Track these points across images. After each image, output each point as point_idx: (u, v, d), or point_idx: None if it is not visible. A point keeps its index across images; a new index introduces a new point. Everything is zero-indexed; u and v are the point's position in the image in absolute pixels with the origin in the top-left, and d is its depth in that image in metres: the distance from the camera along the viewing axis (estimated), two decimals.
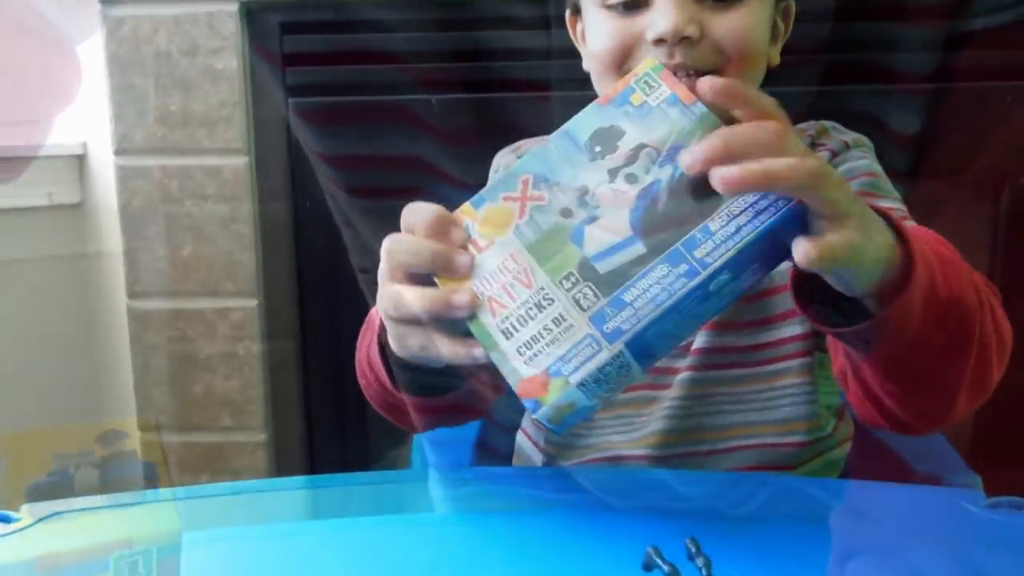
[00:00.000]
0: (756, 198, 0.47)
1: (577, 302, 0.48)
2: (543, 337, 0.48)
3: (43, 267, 1.46)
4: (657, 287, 0.47)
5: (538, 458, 0.77)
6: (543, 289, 0.48)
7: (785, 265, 0.51)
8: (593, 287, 0.48)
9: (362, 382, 0.66)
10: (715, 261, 0.47)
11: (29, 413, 1.43)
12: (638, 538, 0.47)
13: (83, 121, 1.46)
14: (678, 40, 0.66)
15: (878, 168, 0.74)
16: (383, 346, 0.59)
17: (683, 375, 0.71)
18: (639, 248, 0.48)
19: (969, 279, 0.57)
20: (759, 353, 0.72)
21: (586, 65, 0.77)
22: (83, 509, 0.53)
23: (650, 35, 0.67)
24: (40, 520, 0.50)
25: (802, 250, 0.47)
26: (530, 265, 0.49)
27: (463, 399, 0.61)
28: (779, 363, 0.72)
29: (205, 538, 0.49)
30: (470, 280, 0.49)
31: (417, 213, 0.53)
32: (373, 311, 0.64)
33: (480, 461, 0.85)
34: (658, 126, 0.49)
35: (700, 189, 0.47)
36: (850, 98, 1.25)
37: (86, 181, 1.48)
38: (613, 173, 0.49)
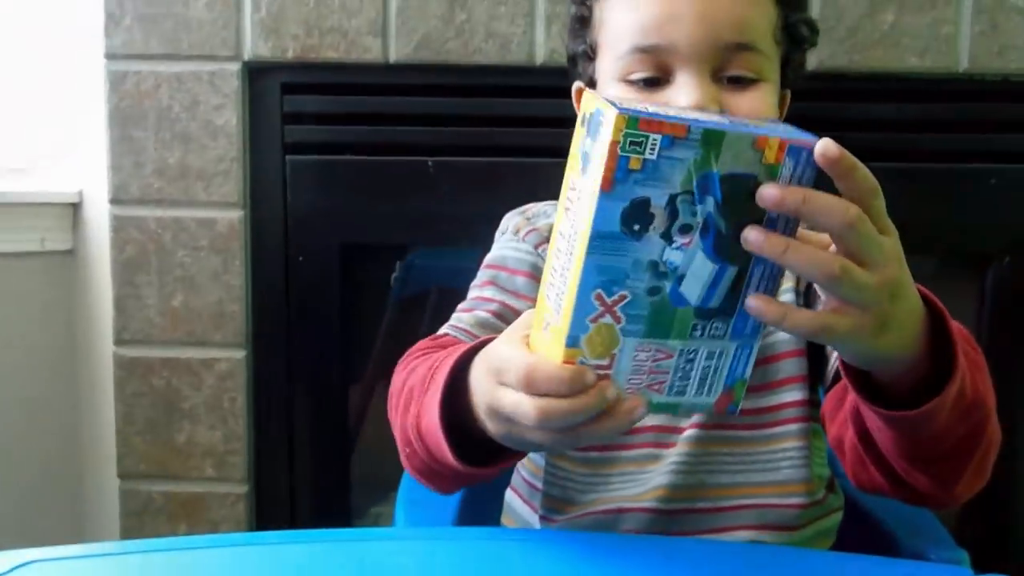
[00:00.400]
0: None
1: (715, 336, 0.51)
2: (709, 373, 0.52)
3: (32, 311, 1.46)
4: (763, 284, 0.50)
5: (531, 516, 0.77)
6: (683, 350, 0.50)
7: (787, 335, 0.53)
8: (718, 319, 0.50)
9: (405, 450, 0.65)
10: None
11: (7, 458, 1.41)
12: None
13: (80, 169, 1.47)
14: None
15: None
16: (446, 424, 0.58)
17: (688, 433, 0.73)
18: (731, 271, 0.49)
19: (989, 380, 0.60)
20: (761, 416, 0.74)
21: None
22: (60, 558, 0.52)
23: None
24: (17, 567, 0.50)
25: (798, 322, 0.49)
26: (658, 345, 0.50)
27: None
28: (780, 427, 0.74)
29: None
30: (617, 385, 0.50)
31: (547, 381, 0.49)
32: (401, 384, 0.65)
33: (465, 522, 0.84)
34: (673, 172, 0.46)
35: (745, 202, 0.48)
36: None
37: (79, 228, 1.49)
38: (666, 236, 0.48)
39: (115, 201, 1.36)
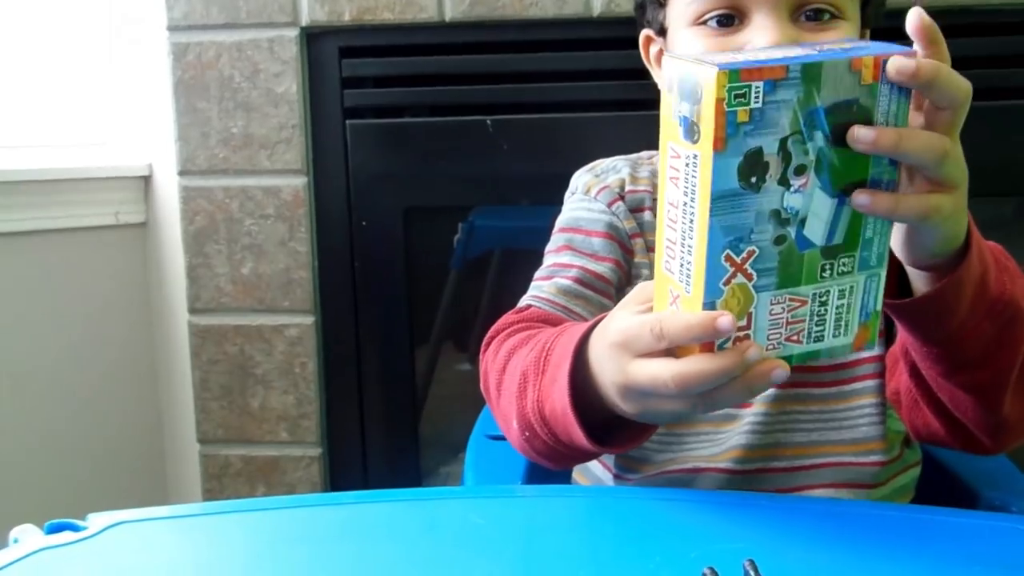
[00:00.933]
0: None
1: (843, 273, 0.50)
2: (843, 312, 0.51)
3: (109, 283, 1.50)
4: (879, 208, 0.49)
5: (605, 474, 0.77)
6: (815, 294, 0.50)
7: None
8: (844, 254, 0.49)
9: (524, 434, 0.62)
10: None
11: (91, 426, 1.47)
12: (695, 559, 0.46)
13: (149, 143, 1.51)
14: None
15: None
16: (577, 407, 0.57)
17: (765, 392, 0.71)
18: (847, 203, 0.49)
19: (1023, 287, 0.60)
20: (838, 374, 0.72)
21: (659, 82, 0.76)
22: (148, 519, 0.54)
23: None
24: (108, 528, 0.52)
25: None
26: (791, 294, 0.49)
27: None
28: (855, 383, 0.72)
29: (260, 550, 0.51)
30: (758, 344, 0.49)
31: (683, 329, 0.48)
32: (503, 365, 0.64)
33: (534, 481, 0.85)
34: (780, 115, 0.45)
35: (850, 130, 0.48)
36: None
37: (151, 201, 1.53)
38: (783, 181, 0.47)
39: (183, 172, 1.38)
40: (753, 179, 0.46)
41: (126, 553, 0.50)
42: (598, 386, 0.55)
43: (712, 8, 0.67)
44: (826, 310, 0.50)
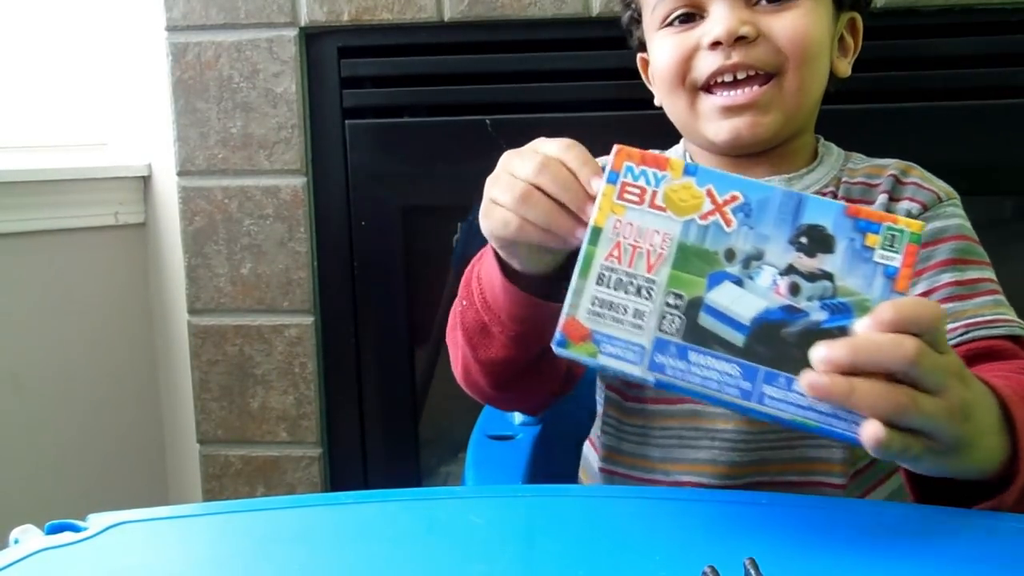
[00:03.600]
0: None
1: (662, 318, 0.49)
2: (617, 312, 0.50)
3: (108, 284, 1.50)
4: (716, 375, 0.48)
5: (596, 462, 0.77)
6: (654, 283, 0.49)
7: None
8: (682, 323, 0.49)
9: (460, 304, 0.67)
10: (770, 409, 0.48)
11: (91, 426, 1.47)
12: (695, 557, 0.46)
13: (148, 143, 1.51)
14: (733, 41, 0.68)
15: (969, 227, 0.72)
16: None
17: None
18: (738, 339, 0.48)
19: None
20: None
21: (657, 100, 0.78)
22: (148, 520, 0.54)
23: (706, 40, 0.69)
24: (108, 528, 0.52)
25: (867, 436, 0.45)
26: (667, 257, 0.49)
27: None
28: None
29: (260, 550, 0.51)
30: (621, 211, 0.50)
31: (570, 151, 0.54)
32: (487, 250, 0.66)
33: (535, 481, 0.85)
34: (857, 276, 0.48)
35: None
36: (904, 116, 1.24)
37: (150, 201, 1.53)
38: (791, 271, 0.48)
39: (182, 173, 1.38)
40: (804, 240, 0.49)
41: (127, 553, 0.50)
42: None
43: (673, 8, 0.71)
44: (627, 291, 0.50)
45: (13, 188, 1.34)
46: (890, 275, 0.47)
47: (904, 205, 0.72)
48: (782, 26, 0.68)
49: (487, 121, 1.31)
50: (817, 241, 0.48)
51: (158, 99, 1.42)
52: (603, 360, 0.50)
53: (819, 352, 0.46)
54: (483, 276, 0.65)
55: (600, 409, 0.78)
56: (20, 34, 1.48)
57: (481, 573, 0.47)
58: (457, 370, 0.72)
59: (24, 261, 1.37)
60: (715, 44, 0.68)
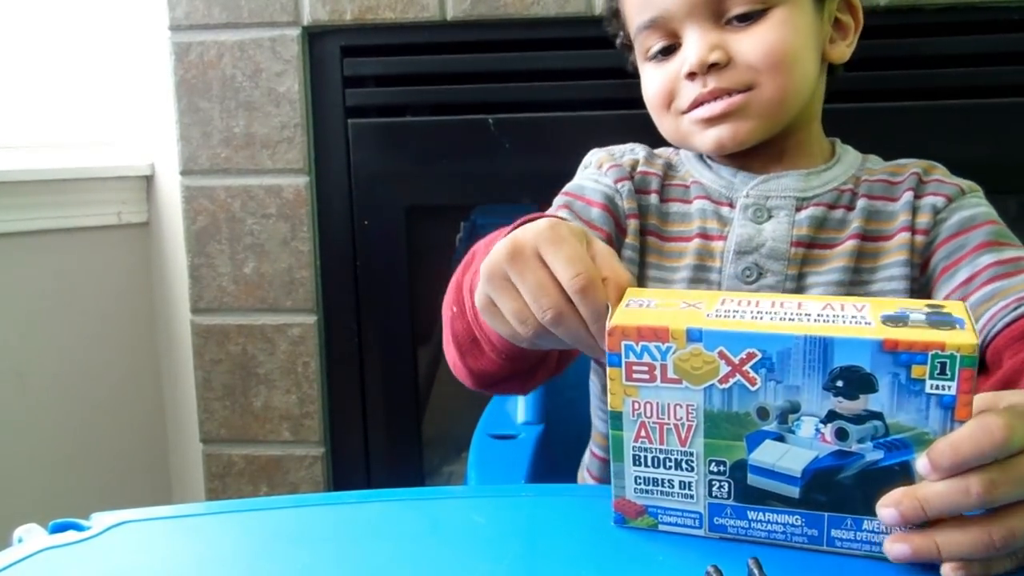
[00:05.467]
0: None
1: (710, 485, 0.48)
2: (663, 486, 0.49)
3: (111, 283, 1.51)
4: (780, 527, 0.47)
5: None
6: (692, 455, 0.47)
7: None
8: (732, 486, 0.47)
9: (451, 309, 0.64)
10: (843, 550, 0.46)
11: (95, 425, 1.47)
12: (698, 557, 0.46)
13: (151, 143, 1.51)
14: (706, 69, 0.70)
15: (996, 215, 0.74)
16: None
17: None
18: (793, 491, 0.46)
19: None
20: None
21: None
22: (151, 519, 0.54)
23: (683, 71, 0.72)
24: (111, 527, 0.52)
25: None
26: (696, 427, 0.47)
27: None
28: None
29: (263, 550, 0.51)
30: (634, 392, 0.47)
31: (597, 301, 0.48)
32: (480, 244, 0.64)
33: (538, 480, 0.85)
34: (909, 411, 0.43)
35: (886, 490, 0.45)
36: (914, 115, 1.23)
37: (153, 200, 1.53)
38: (834, 417, 0.44)
39: (185, 172, 1.38)
40: (840, 384, 0.44)
41: (130, 552, 0.50)
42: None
43: (651, 44, 0.74)
44: (666, 467, 0.49)
45: (16, 187, 1.34)
46: (947, 405, 0.43)
47: (928, 200, 0.73)
48: (751, 45, 0.70)
49: (490, 120, 1.31)
50: (856, 382, 0.43)
51: (161, 98, 1.42)
52: (664, 528, 0.49)
53: (889, 514, 0.44)
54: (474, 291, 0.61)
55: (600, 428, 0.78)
56: (23, 34, 1.48)
57: (484, 572, 0.47)
58: (447, 357, 0.70)
59: (27, 260, 1.37)
60: (691, 74, 0.71)
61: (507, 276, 0.51)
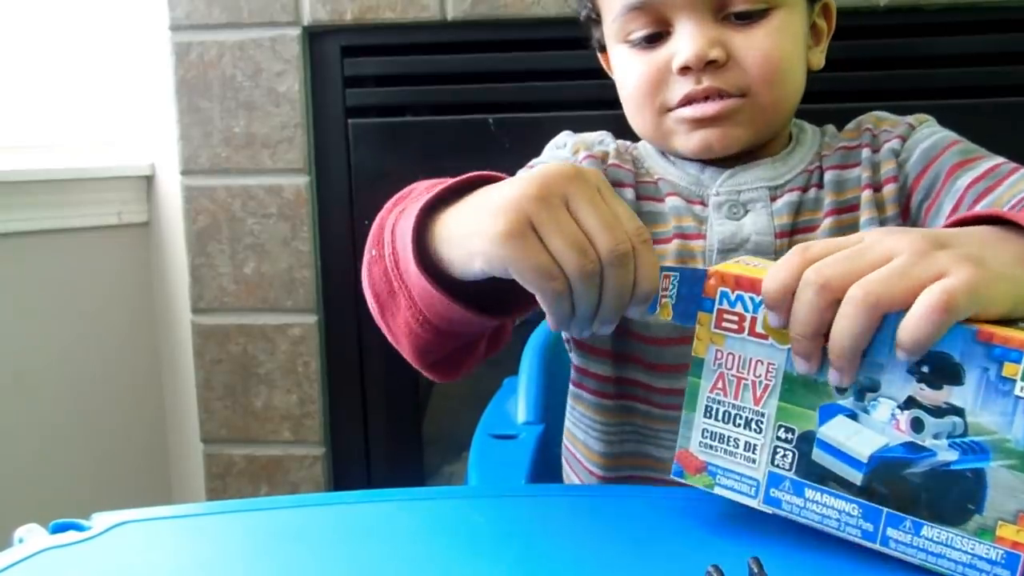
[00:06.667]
0: (978, 555, 0.42)
1: (774, 452, 0.46)
2: (728, 444, 0.48)
3: (111, 283, 1.51)
4: (835, 513, 0.45)
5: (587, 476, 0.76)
6: (763, 416, 0.46)
7: None
8: (795, 457, 0.46)
9: (370, 252, 0.58)
10: (896, 553, 0.44)
11: (95, 425, 1.47)
12: (699, 557, 0.46)
13: (152, 143, 1.51)
14: (703, 66, 0.66)
15: (955, 134, 0.71)
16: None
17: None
18: (856, 476, 0.44)
19: None
20: None
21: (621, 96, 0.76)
22: (152, 519, 0.54)
23: (676, 64, 0.66)
24: (112, 527, 0.52)
25: None
26: (773, 387, 0.46)
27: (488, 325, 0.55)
28: None
29: (263, 550, 0.51)
30: (720, 340, 0.46)
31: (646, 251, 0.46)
32: (421, 186, 0.60)
33: (539, 480, 0.85)
34: (994, 412, 0.41)
35: (953, 498, 0.42)
36: None
37: (153, 201, 1.53)
38: (912, 404, 0.42)
39: (186, 172, 1.38)
40: (926, 369, 0.43)
41: (130, 553, 0.50)
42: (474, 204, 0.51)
43: (634, 28, 0.68)
44: (736, 424, 0.48)
45: (17, 188, 1.34)
46: None
47: (886, 148, 0.70)
48: (751, 49, 0.66)
49: (489, 120, 1.31)
50: (942, 371, 0.41)
51: (161, 98, 1.42)
52: (719, 491, 0.48)
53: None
54: (397, 235, 0.55)
55: (576, 412, 0.75)
56: (23, 34, 1.48)
57: (484, 572, 0.47)
58: (370, 308, 0.64)
59: (28, 260, 1.37)
60: (684, 69, 0.66)
61: (530, 222, 0.45)
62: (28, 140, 1.50)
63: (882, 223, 0.68)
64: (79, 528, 0.51)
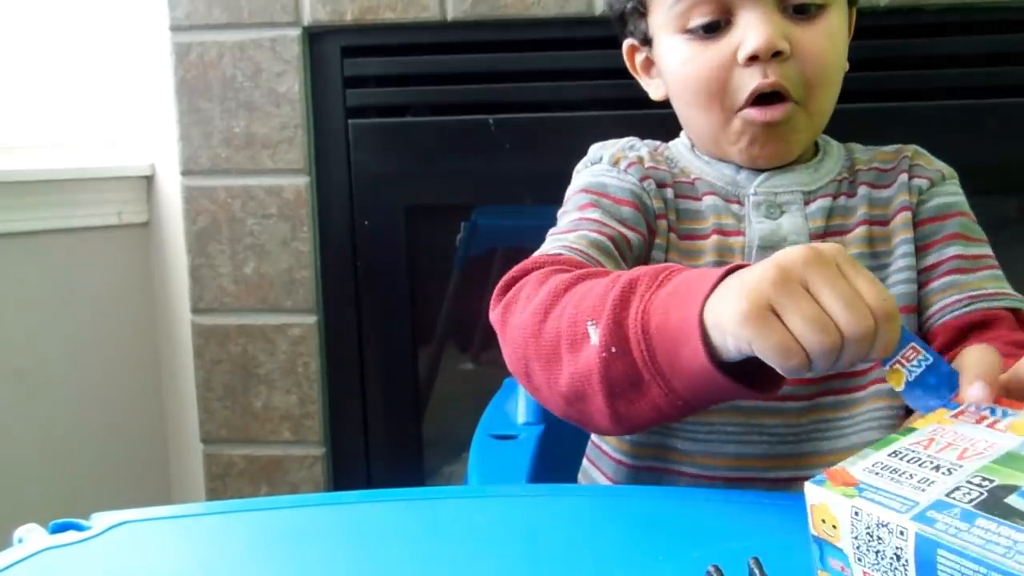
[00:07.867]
0: None
1: (956, 488, 0.41)
2: (899, 475, 0.43)
3: (111, 284, 1.51)
4: (1007, 541, 0.38)
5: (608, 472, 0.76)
6: (961, 467, 0.42)
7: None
8: (981, 496, 0.40)
9: (604, 352, 0.54)
10: None
11: (95, 425, 1.47)
12: (699, 557, 0.46)
13: (152, 143, 1.51)
14: (770, 56, 0.66)
15: (967, 205, 0.76)
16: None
17: (798, 403, 0.70)
18: None
19: None
20: (845, 381, 0.71)
21: (656, 94, 0.78)
22: (151, 519, 0.54)
23: (742, 54, 0.67)
24: (111, 527, 0.52)
25: None
26: (986, 456, 0.43)
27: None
28: (865, 389, 0.71)
29: (263, 550, 0.51)
30: (949, 423, 0.46)
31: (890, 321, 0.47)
32: (552, 291, 0.57)
33: (539, 480, 0.85)
34: None
35: None
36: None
37: (154, 201, 1.53)
38: None
39: (186, 172, 1.38)
40: None
41: (130, 553, 0.50)
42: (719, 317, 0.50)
43: (696, 15, 0.68)
44: (920, 463, 0.44)
45: (17, 188, 1.34)
46: None
47: (916, 181, 0.75)
48: (810, 44, 0.67)
49: (490, 120, 1.31)
50: None
51: (162, 99, 1.42)
52: (859, 501, 0.41)
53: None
54: (657, 334, 0.52)
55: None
56: (24, 34, 1.48)
57: (484, 572, 0.47)
58: (542, 381, 0.59)
59: (28, 260, 1.37)
60: (751, 59, 0.66)
61: (770, 305, 0.47)
62: (28, 140, 1.50)
63: (913, 243, 0.74)
64: (79, 528, 0.51)
